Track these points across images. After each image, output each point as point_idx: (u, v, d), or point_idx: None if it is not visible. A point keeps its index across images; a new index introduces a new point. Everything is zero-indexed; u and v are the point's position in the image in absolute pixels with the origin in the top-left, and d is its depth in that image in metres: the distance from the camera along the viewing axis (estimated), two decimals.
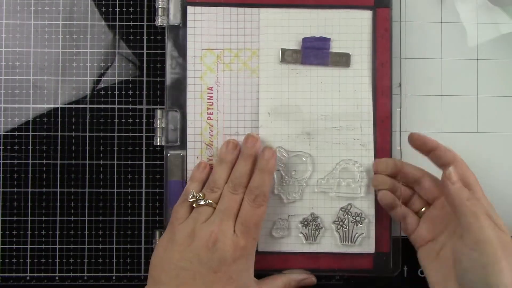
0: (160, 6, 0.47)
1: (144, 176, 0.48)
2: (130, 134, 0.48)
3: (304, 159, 0.46)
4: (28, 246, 0.47)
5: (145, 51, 0.48)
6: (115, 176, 0.48)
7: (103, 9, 0.48)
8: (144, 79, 0.48)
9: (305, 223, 0.46)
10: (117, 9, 0.48)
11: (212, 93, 0.46)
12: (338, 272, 0.47)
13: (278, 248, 0.46)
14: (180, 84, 0.47)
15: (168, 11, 0.47)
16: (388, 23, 0.47)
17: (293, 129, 0.46)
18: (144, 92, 0.48)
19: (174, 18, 0.47)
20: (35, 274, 0.47)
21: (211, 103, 0.46)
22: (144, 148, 0.48)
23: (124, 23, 0.48)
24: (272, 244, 0.46)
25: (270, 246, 0.46)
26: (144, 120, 0.48)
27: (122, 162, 0.48)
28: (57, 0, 0.48)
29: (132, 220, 0.47)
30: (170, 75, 0.47)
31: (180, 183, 0.46)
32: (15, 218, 0.47)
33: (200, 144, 0.46)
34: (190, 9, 0.47)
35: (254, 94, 0.47)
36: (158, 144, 0.47)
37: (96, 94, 0.48)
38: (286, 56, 0.46)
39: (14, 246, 0.47)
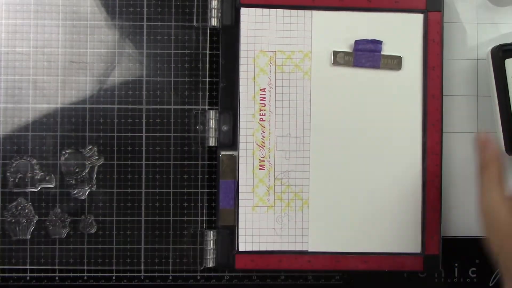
0: (213, 7, 0.47)
1: (144, 176, 0.48)
2: (130, 134, 0.48)
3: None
4: (28, 246, 0.47)
5: (145, 50, 0.48)
6: (115, 176, 0.48)
7: (103, 9, 0.48)
8: (144, 79, 0.48)
9: None
10: (117, 9, 0.48)
11: (264, 94, 0.47)
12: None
13: (330, 248, 0.47)
14: (233, 85, 0.47)
15: (220, 12, 0.47)
16: (439, 27, 0.47)
17: (343, 131, 0.47)
18: (144, 92, 0.48)
19: (226, 19, 0.47)
20: (35, 274, 0.47)
21: (263, 104, 0.47)
22: (143, 148, 0.48)
23: (124, 22, 0.48)
24: (324, 244, 0.47)
25: (322, 247, 0.47)
26: (144, 120, 0.48)
27: (122, 162, 0.48)
28: (57, 0, 0.48)
29: (132, 220, 0.47)
30: (222, 76, 0.47)
31: (232, 183, 0.46)
32: (16, 218, 0.47)
33: (252, 145, 0.46)
34: (243, 10, 0.47)
35: (306, 96, 0.47)
36: (211, 144, 0.47)
37: (96, 94, 0.48)
38: (338, 59, 0.47)
39: (14, 247, 0.47)
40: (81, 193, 0.47)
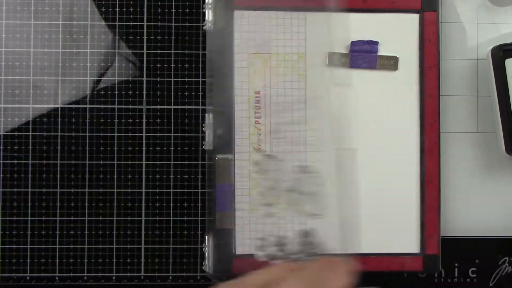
0: (206, 10, 0.47)
1: (144, 176, 0.48)
2: (130, 134, 0.48)
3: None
4: (28, 246, 0.47)
5: (145, 51, 0.48)
6: (115, 176, 0.48)
7: (103, 9, 0.48)
8: (144, 79, 0.48)
9: None
10: (117, 9, 0.48)
11: (259, 97, 0.46)
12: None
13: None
14: (227, 88, 0.47)
15: (213, 15, 0.47)
16: (435, 27, 0.47)
17: (340, 132, 0.47)
18: (144, 92, 0.48)
19: (219, 22, 0.47)
20: (35, 274, 0.47)
21: (258, 107, 0.46)
22: (144, 148, 0.48)
23: (124, 23, 0.48)
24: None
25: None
26: (144, 120, 0.48)
27: (122, 162, 0.48)
28: (57, 0, 0.48)
29: (132, 220, 0.47)
30: (217, 79, 0.47)
31: (228, 187, 0.46)
32: (15, 218, 0.47)
33: (247, 148, 0.46)
34: (237, 13, 0.47)
35: (301, 98, 0.47)
36: (207, 148, 0.47)
37: (96, 94, 0.48)
38: (334, 60, 0.46)
39: (14, 246, 0.47)
40: None
